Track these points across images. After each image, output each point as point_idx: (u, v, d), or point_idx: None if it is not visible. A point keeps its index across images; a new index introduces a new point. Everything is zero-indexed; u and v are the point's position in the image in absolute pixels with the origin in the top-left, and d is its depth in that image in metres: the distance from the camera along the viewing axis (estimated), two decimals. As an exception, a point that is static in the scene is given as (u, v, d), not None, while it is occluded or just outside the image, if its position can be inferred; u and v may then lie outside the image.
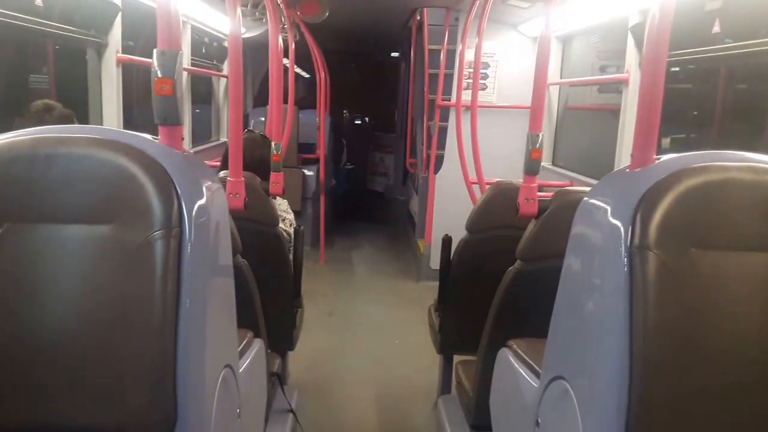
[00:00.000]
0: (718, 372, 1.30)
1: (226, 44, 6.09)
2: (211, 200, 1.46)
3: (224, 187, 2.34)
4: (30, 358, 1.31)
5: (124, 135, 1.46)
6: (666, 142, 3.87)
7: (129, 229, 1.32)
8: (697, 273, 1.32)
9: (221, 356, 1.56)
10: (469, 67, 5.45)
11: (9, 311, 1.32)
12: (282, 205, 3.24)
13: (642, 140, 1.51)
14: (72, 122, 2.91)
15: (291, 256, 3.09)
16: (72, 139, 1.41)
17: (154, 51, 1.45)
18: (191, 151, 3.81)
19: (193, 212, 1.36)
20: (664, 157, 1.49)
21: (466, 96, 5.32)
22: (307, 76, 11.02)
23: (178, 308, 1.31)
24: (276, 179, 3.05)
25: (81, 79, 3.82)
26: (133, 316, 1.30)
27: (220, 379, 1.52)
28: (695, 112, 3.98)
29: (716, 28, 3.31)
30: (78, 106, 3.73)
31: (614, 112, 4.29)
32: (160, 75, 1.45)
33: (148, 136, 1.50)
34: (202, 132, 6.52)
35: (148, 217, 1.32)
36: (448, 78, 5.91)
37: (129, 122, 4.16)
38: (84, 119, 3.73)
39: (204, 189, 1.45)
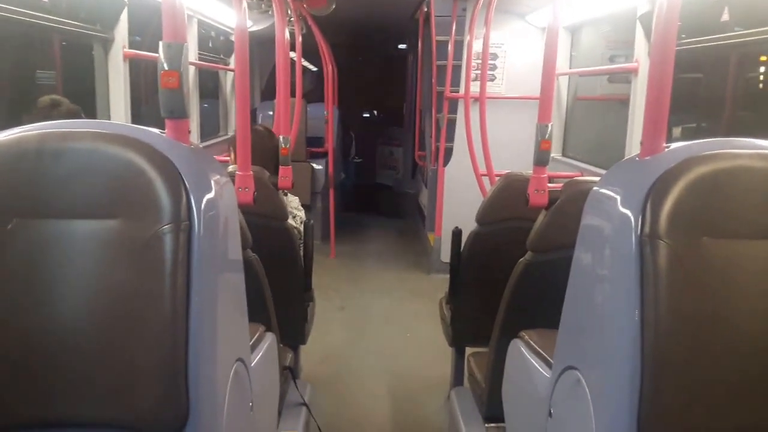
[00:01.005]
0: (731, 362, 1.29)
1: (232, 38, 6.08)
2: (220, 194, 1.46)
3: (233, 180, 2.34)
4: (41, 354, 1.31)
5: (131, 129, 1.46)
6: (676, 132, 3.85)
7: (138, 224, 1.32)
8: (709, 262, 1.30)
9: (233, 350, 1.56)
10: (477, 58, 5.43)
11: (19, 308, 1.32)
12: (293, 202, 3.24)
13: (651, 128, 1.49)
14: (79, 118, 2.92)
15: (301, 251, 3.09)
16: (79, 134, 1.41)
17: (160, 43, 1.44)
18: (200, 145, 3.81)
19: (202, 206, 1.36)
20: (674, 145, 1.48)
21: (475, 87, 5.30)
22: (315, 69, 11.00)
23: (189, 302, 1.30)
24: (285, 173, 3.04)
25: (88, 75, 3.82)
26: (143, 310, 1.30)
27: (232, 372, 1.52)
28: (704, 101, 3.95)
29: (725, 16, 3.28)
30: (85, 101, 3.74)
31: (624, 102, 4.27)
32: (166, 67, 1.44)
33: (155, 130, 1.50)
34: (210, 127, 6.52)
35: (157, 211, 1.32)
36: (457, 69, 5.88)
37: (137, 118, 4.17)
38: (92, 115, 3.74)
39: (212, 182, 1.45)
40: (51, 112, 2.97)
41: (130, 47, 3.87)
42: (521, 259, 2.40)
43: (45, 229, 1.33)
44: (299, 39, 5.32)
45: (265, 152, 3.09)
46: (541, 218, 2.36)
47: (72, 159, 1.35)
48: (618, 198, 1.42)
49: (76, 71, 4.00)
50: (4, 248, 1.33)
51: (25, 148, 1.37)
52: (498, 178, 3.08)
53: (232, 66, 6.61)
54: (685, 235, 1.30)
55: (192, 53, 5.31)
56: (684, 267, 1.29)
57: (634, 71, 3.93)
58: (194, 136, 5.58)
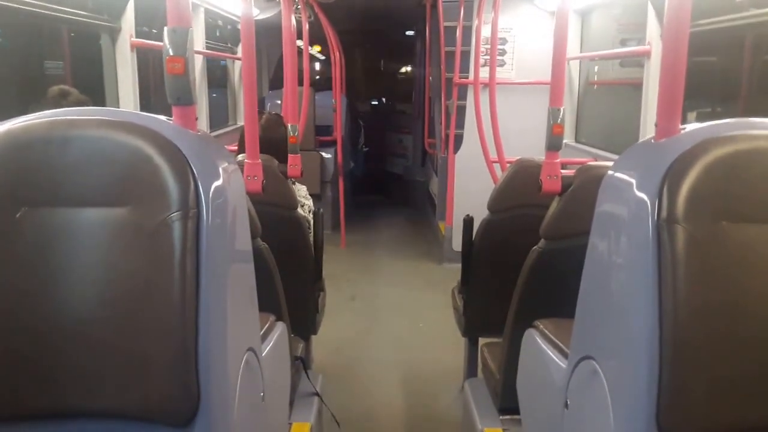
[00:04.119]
0: (753, 350, 1.26)
1: (239, 26, 6.05)
2: (228, 181, 1.44)
3: (242, 169, 2.32)
4: (50, 344, 1.30)
5: (138, 116, 1.45)
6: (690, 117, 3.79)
7: (146, 211, 1.30)
8: (729, 247, 1.26)
9: (243, 339, 1.55)
10: (486, 44, 5.38)
11: (28, 297, 1.31)
12: (301, 191, 3.21)
13: (666, 110, 1.45)
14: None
15: (311, 240, 3.07)
16: (86, 121, 1.39)
17: (165, 29, 1.42)
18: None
19: (210, 193, 1.34)
20: (690, 127, 1.44)
21: (484, 73, 5.25)
22: (322, 57, 10.96)
23: (198, 291, 1.29)
24: (294, 162, 3.02)
25: (96, 65, 3.81)
26: (152, 299, 1.29)
27: (243, 362, 1.50)
28: (720, 85, 3.89)
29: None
30: (94, 91, 3.73)
31: (636, 87, 4.21)
32: (171, 53, 1.42)
33: (162, 117, 1.48)
34: (220, 117, 6.50)
35: (165, 199, 1.30)
36: (465, 55, 5.83)
37: (147, 108, 4.16)
38: (101, 105, 3.73)
39: (220, 170, 1.43)
40: (60, 101, 2.98)
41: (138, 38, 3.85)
42: (534, 247, 2.37)
43: (54, 218, 1.32)
44: (306, 26, 5.28)
45: (272, 142, 3.05)
46: (554, 205, 2.33)
47: (79, 147, 1.34)
48: (633, 182, 1.39)
49: (85, 61, 3.99)
50: (14, 237, 1.32)
51: (33, 137, 1.36)
52: (509, 164, 3.04)
53: (239, 55, 6.59)
54: (704, 220, 1.26)
55: (200, 42, 5.28)
56: (703, 252, 1.25)
57: (647, 54, 3.87)
58: (204, 127, 5.57)
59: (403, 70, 11.78)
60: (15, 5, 2.90)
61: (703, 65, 3.87)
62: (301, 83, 4.88)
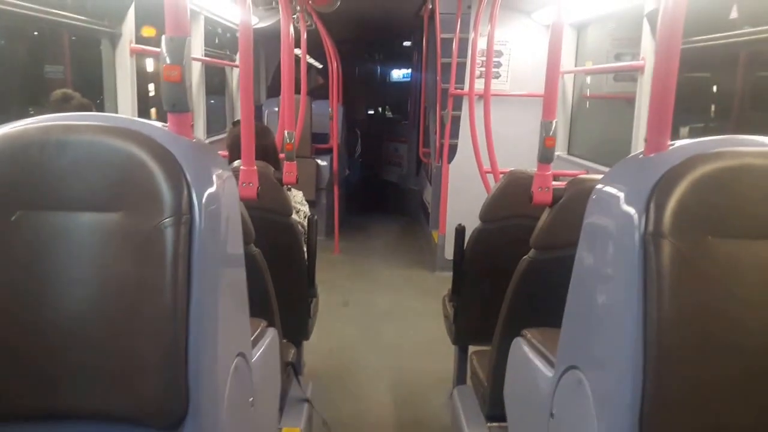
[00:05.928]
0: (735, 363, 1.27)
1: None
2: (222, 188, 1.45)
3: (237, 176, 2.34)
4: (43, 346, 1.31)
5: (134, 122, 1.46)
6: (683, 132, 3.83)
7: (139, 217, 1.31)
8: (714, 262, 1.28)
9: (233, 344, 1.56)
10: (482, 56, 5.42)
11: (22, 299, 1.32)
12: (297, 197, 3.23)
13: (656, 125, 1.46)
14: (90, 111, 2.93)
15: (305, 247, 3.09)
16: (82, 126, 1.40)
17: (162, 37, 1.44)
18: (206, 141, 3.81)
19: (203, 199, 1.35)
20: (679, 143, 1.45)
21: (480, 84, 5.29)
22: (320, 66, 11.00)
23: (189, 295, 1.30)
24: (289, 168, 3.04)
25: (95, 70, 3.83)
26: (144, 303, 1.30)
27: (233, 367, 1.51)
28: (713, 101, 3.92)
29: (734, 14, 3.26)
30: (93, 96, 3.74)
31: (630, 101, 4.25)
32: (168, 61, 1.43)
33: (158, 123, 1.49)
34: (218, 124, 6.52)
35: (158, 204, 1.31)
36: (461, 67, 5.87)
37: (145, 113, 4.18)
38: (100, 110, 3.74)
39: (214, 177, 1.45)
40: (63, 105, 3.00)
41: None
42: (524, 257, 2.38)
43: (48, 221, 1.33)
44: (304, 35, 5.31)
45: (266, 149, 3.08)
46: (544, 216, 2.35)
47: (75, 151, 1.35)
48: (621, 196, 1.40)
49: (84, 66, 4.01)
50: (8, 240, 1.33)
51: (29, 141, 1.37)
52: (502, 175, 3.07)
53: (237, 62, 6.60)
54: (690, 234, 1.27)
55: (198, 49, 5.30)
56: (688, 266, 1.26)
57: (641, 69, 3.91)
58: (201, 132, 5.59)
59: (400, 80, 11.83)
60: (18, 10, 2.91)
61: (695, 81, 3.91)
62: (298, 91, 4.90)
